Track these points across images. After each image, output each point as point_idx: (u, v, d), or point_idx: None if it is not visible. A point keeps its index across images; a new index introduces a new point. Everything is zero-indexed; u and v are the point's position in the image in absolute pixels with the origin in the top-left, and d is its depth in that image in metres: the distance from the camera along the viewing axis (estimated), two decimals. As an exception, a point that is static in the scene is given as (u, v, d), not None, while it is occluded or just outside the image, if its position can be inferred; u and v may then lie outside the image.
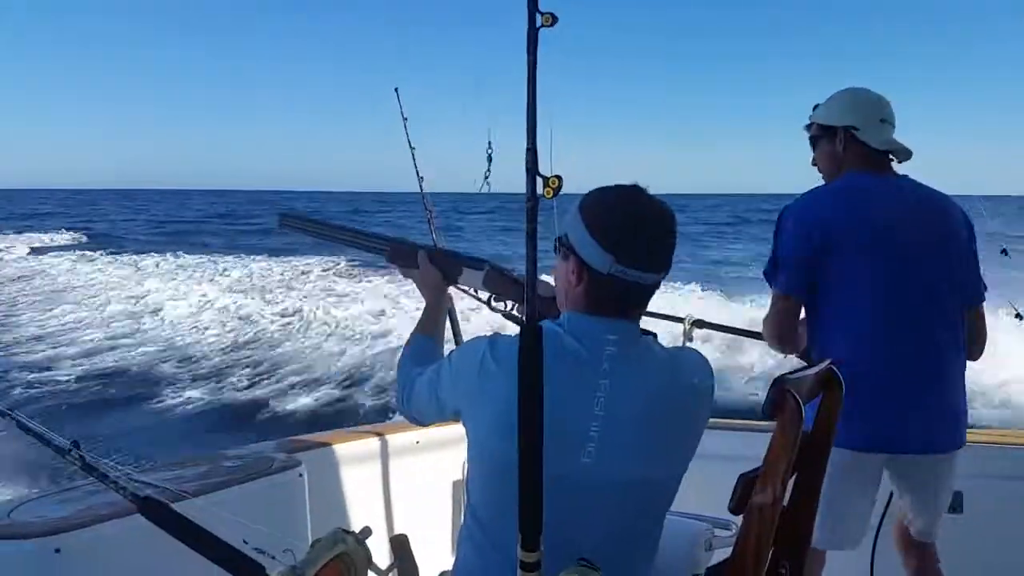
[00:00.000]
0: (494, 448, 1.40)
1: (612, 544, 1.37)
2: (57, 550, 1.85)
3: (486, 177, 1.66)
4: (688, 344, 3.33)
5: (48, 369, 11.82)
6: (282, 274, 22.09)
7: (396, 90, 3.18)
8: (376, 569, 1.35)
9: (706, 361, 1.52)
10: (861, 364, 2.00)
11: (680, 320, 3.37)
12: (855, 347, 2.10)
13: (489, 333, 1.53)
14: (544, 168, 1.05)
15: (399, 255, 2.04)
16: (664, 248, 1.45)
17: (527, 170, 1.05)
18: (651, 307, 1.55)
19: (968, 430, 2.99)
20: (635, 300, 1.46)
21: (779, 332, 2.26)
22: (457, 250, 2.06)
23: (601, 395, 1.39)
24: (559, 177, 1.06)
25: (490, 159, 1.63)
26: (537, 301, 1.10)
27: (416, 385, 1.70)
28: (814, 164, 2.37)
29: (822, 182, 2.34)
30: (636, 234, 1.41)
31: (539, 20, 1.04)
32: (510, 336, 1.46)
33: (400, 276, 2.09)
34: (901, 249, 2.13)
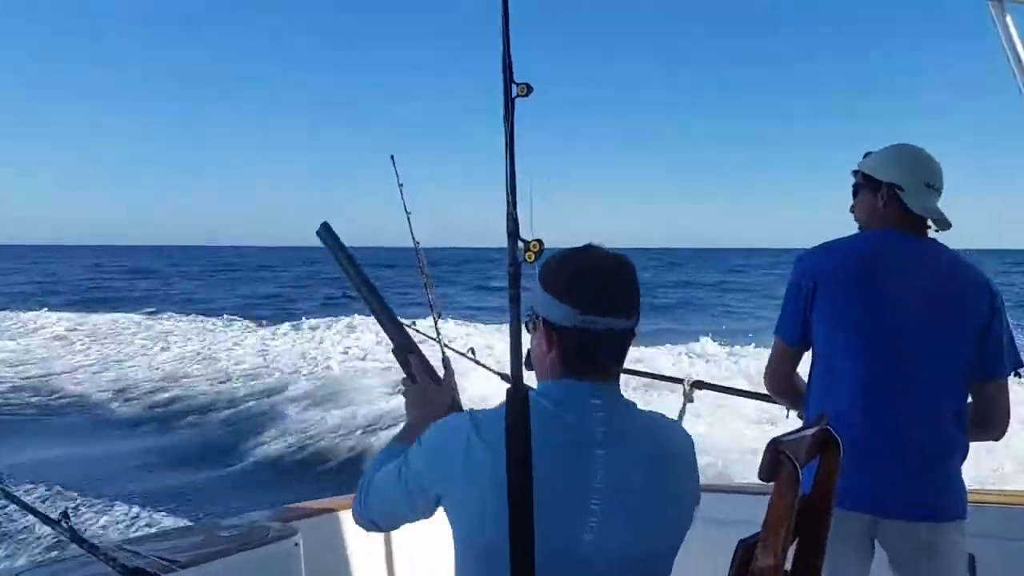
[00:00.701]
0: (488, 536, 1.30)
1: None
2: None
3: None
4: (688, 404, 3.33)
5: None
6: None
7: (392, 157, 3.22)
8: None
9: (683, 428, 1.50)
10: (843, 419, 1.99)
11: (679, 381, 3.36)
12: (839, 401, 2.08)
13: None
14: (525, 232, 1.06)
15: (403, 352, 1.90)
16: (626, 292, 1.42)
17: (508, 234, 1.05)
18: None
19: (978, 491, 2.95)
20: (609, 353, 1.41)
21: (770, 375, 2.30)
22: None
23: (599, 466, 1.34)
24: (540, 241, 1.06)
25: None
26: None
27: (375, 481, 1.56)
28: (852, 211, 2.35)
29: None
30: (593, 282, 1.39)
31: (515, 91, 1.07)
32: (493, 410, 1.41)
33: None
34: (900, 310, 2.10)
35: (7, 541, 7.26)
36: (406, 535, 2.83)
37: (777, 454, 1.27)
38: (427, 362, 1.87)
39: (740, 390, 3.24)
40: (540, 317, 1.42)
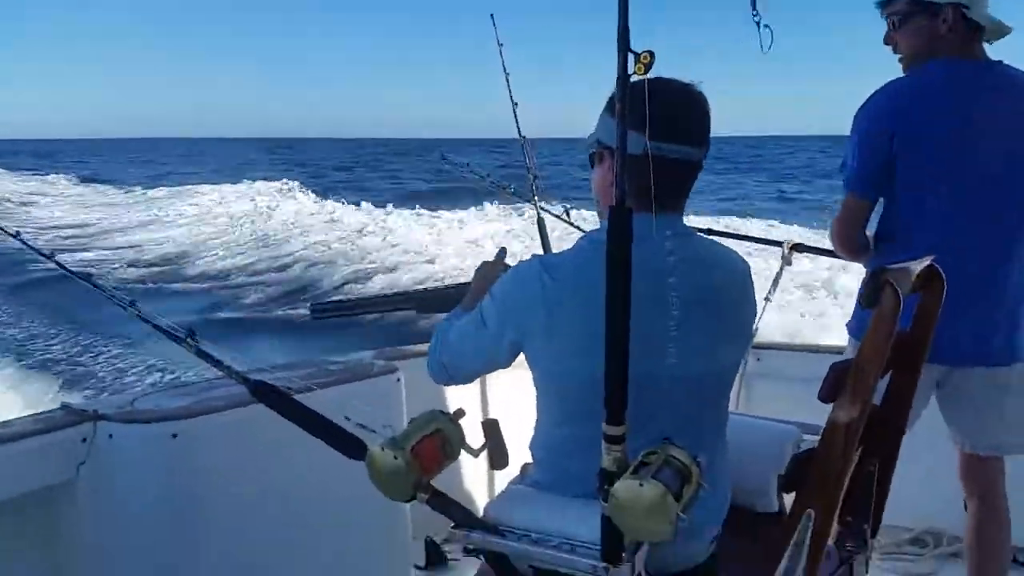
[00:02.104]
0: (575, 368, 1.36)
1: (686, 431, 1.32)
2: (174, 435, 2.01)
3: None
4: (787, 268, 3.28)
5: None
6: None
7: (492, 16, 3.16)
8: (468, 448, 1.41)
9: (739, 255, 1.54)
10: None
11: (779, 244, 3.30)
12: (930, 241, 1.95)
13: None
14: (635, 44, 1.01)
15: (429, 305, 2.10)
16: (698, 118, 1.41)
17: (619, 47, 1.01)
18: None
19: None
20: (678, 182, 1.43)
21: (841, 233, 2.15)
22: None
23: (675, 295, 1.39)
24: (651, 52, 1.01)
25: None
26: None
27: (451, 336, 1.59)
28: (891, 46, 2.14)
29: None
30: (664, 107, 1.32)
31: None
32: (559, 253, 1.47)
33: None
34: (986, 150, 1.98)
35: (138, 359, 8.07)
36: (500, 372, 2.97)
37: (882, 282, 1.26)
38: None
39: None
40: (606, 147, 1.43)
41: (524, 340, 1.44)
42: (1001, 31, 2.03)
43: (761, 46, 1.34)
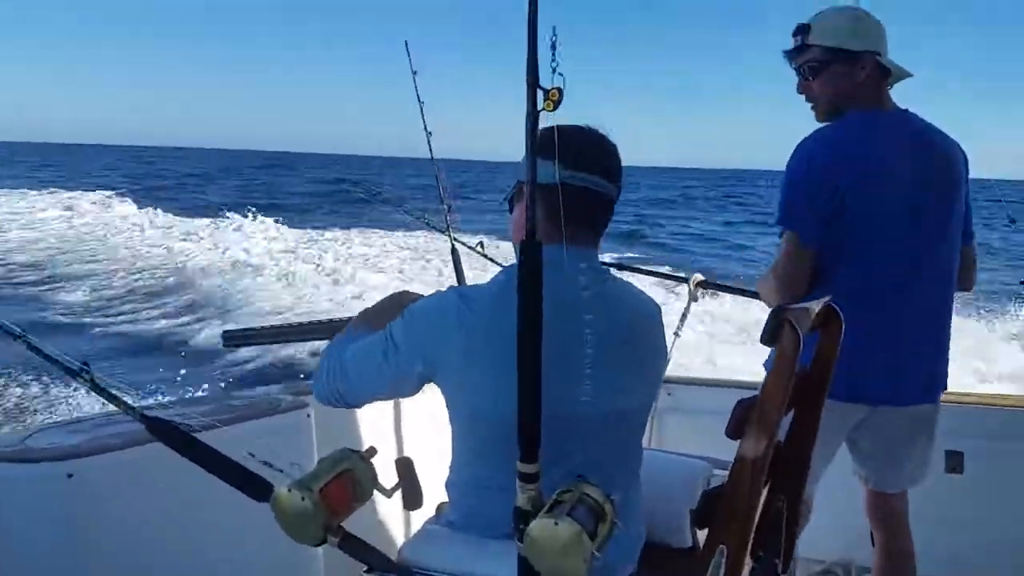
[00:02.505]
0: (489, 405, 1.35)
1: (600, 469, 1.35)
2: (70, 475, 1.90)
3: None
4: (694, 304, 3.37)
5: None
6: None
7: (406, 43, 3.16)
8: (381, 488, 1.38)
9: (647, 295, 1.57)
10: (872, 303, 2.00)
11: (685, 280, 3.39)
12: (872, 289, 2.03)
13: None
14: (545, 81, 1.02)
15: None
16: (608, 155, 1.46)
17: (528, 83, 1.02)
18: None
19: (966, 393, 3.02)
20: (590, 214, 1.45)
21: (791, 275, 2.02)
22: None
23: (589, 332, 1.40)
24: (560, 89, 1.02)
25: None
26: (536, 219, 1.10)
27: (348, 355, 1.52)
28: (804, 93, 2.14)
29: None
30: (576, 140, 1.42)
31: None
32: (477, 286, 1.47)
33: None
34: (920, 195, 2.05)
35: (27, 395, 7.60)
36: (411, 410, 2.92)
37: (781, 320, 1.30)
38: None
39: (746, 290, 3.25)
40: (520, 183, 1.44)
41: (436, 372, 1.42)
42: (901, 75, 2.12)
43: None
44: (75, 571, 1.94)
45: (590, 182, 1.42)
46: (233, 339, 2.11)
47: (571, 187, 1.38)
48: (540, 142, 1.36)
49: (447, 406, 1.46)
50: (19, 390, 8.03)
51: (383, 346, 1.46)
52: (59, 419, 7.27)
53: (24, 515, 1.92)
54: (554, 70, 1.01)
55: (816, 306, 1.49)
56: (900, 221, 2.03)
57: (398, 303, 1.61)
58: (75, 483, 1.90)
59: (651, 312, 1.54)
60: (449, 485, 1.51)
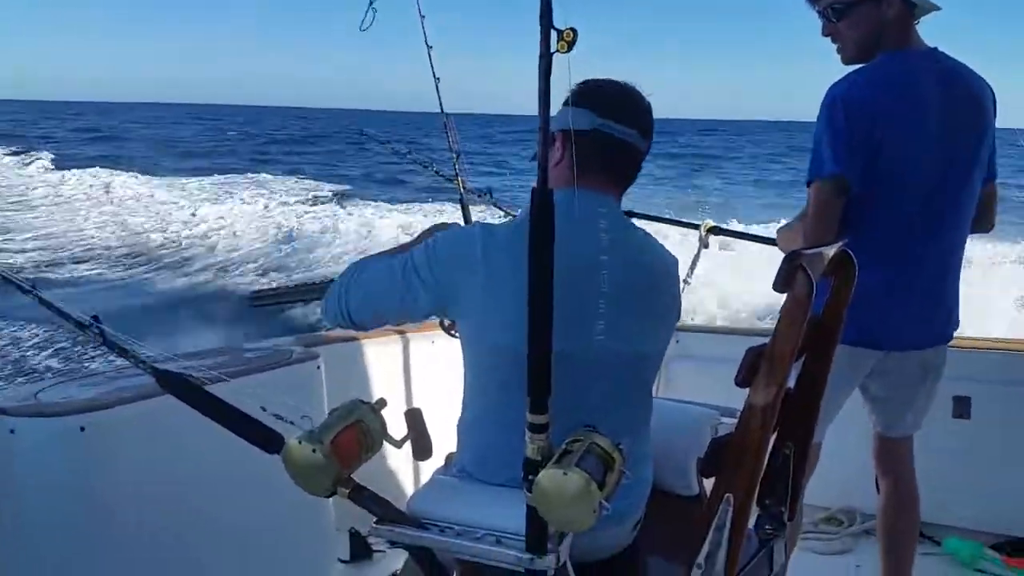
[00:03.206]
0: (506, 341, 1.34)
1: (611, 414, 1.37)
2: (82, 428, 1.91)
3: None
4: (704, 251, 3.34)
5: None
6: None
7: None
8: (390, 439, 1.38)
9: (666, 249, 1.59)
10: (888, 251, 1.98)
11: (696, 227, 3.36)
12: (887, 236, 2.00)
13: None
14: (558, 21, 1.00)
15: None
16: (644, 110, 1.50)
17: (541, 24, 0.99)
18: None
19: (974, 338, 3.00)
20: (621, 164, 1.49)
21: (819, 226, 1.95)
22: None
23: (605, 272, 1.41)
24: (574, 29, 1.00)
25: None
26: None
27: (366, 276, 1.50)
28: (831, 36, 2.07)
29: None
30: (612, 92, 1.47)
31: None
32: (504, 223, 1.48)
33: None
34: (950, 146, 2.00)
35: (37, 348, 7.68)
36: (419, 361, 2.94)
37: (795, 266, 1.28)
38: None
39: (758, 236, 3.22)
40: (559, 128, 1.43)
41: (455, 302, 1.42)
42: (929, 9, 2.03)
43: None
44: (88, 523, 1.97)
45: (627, 135, 1.46)
46: (261, 299, 2.09)
47: (603, 135, 1.44)
48: (576, 91, 1.45)
49: (466, 342, 1.45)
50: (30, 344, 8.12)
51: (402, 264, 1.45)
52: (71, 373, 7.41)
53: (38, 468, 1.94)
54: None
55: (830, 251, 1.47)
56: (929, 172, 1.99)
57: (431, 232, 1.59)
58: (88, 436, 1.92)
59: (668, 260, 1.56)
60: (462, 425, 1.51)
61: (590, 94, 1.46)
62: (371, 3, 1.87)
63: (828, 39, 2.10)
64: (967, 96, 2.04)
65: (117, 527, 1.98)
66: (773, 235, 2.39)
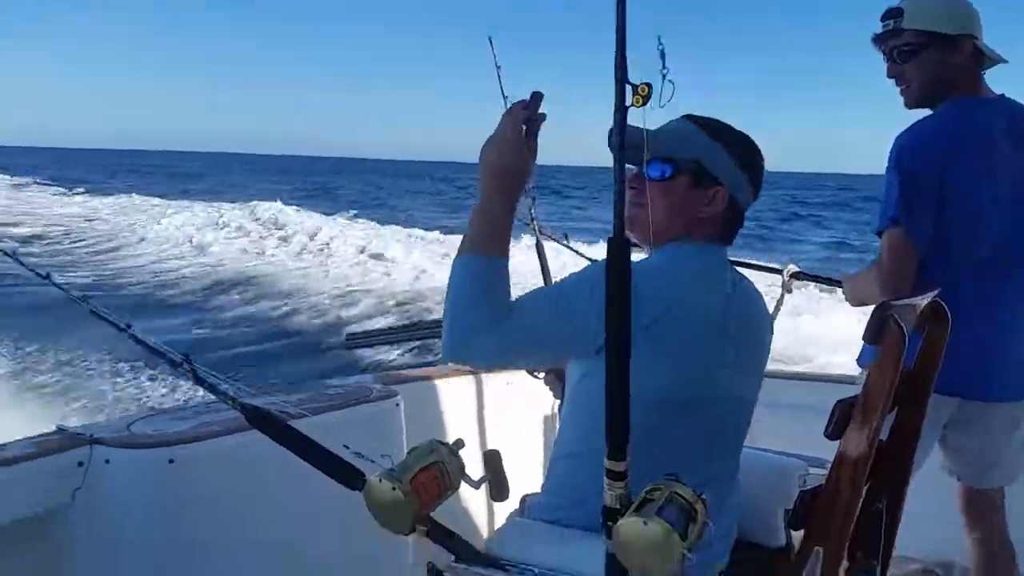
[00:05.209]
0: (678, 392, 1.36)
1: (714, 461, 1.43)
2: (171, 460, 1.98)
3: None
4: (787, 295, 3.27)
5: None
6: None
7: (490, 39, 3.12)
8: (468, 479, 1.38)
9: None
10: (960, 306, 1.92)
11: (779, 272, 3.30)
12: (958, 284, 1.93)
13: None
14: (633, 76, 1.01)
15: None
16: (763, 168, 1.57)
17: (616, 79, 1.01)
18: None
19: None
20: (741, 221, 1.55)
21: (898, 273, 1.93)
22: None
23: (731, 320, 1.43)
24: (649, 84, 1.01)
25: None
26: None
27: (524, 308, 1.35)
28: (896, 80, 2.05)
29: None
30: (760, 163, 1.53)
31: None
32: (641, 261, 1.41)
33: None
34: (1020, 188, 1.98)
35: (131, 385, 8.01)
36: (496, 401, 2.94)
37: (886, 317, 1.25)
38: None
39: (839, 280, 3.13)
40: (719, 181, 1.46)
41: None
42: (996, 60, 2.03)
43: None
44: (174, 554, 2.02)
45: (753, 196, 1.54)
46: (355, 339, 2.16)
47: (742, 212, 1.52)
48: (738, 150, 1.48)
49: (588, 375, 1.39)
50: (124, 379, 8.48)
51: (558, 306, 1.34)
52: (160, 406, 7.72)
53: (127, 498, 2.00)
54: (664, 76, 1.02)
55: (921, 302, 1.42)
56: (1001, 215, 1.96)
57: (502, 156, 1.39)
58: (176, 468, 1.98)
59: (766, 311, 1.60)
60: (559, 461, 1.48)
61: (754, 168, 1.50)
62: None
63: (892, 81, 2.08)
64: None
65: (199, 558, 2.03)
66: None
